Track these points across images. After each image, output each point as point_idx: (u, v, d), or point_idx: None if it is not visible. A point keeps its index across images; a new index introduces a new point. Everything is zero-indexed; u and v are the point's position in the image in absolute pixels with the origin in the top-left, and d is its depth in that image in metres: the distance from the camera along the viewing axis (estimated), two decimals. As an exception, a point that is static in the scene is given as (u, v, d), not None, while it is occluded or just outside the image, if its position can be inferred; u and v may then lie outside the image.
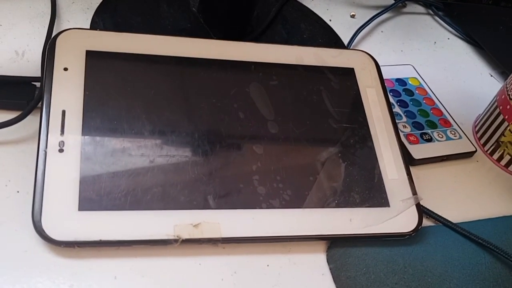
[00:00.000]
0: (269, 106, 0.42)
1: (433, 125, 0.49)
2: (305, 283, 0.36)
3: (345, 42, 0.56)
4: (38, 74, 0.42)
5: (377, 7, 0.62)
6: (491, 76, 0.59)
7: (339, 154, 0.41)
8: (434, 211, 0.42)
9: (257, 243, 0.36)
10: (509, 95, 0.47)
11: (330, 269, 0.37)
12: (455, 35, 0.63)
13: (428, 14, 0.65)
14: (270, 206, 0.37)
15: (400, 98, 0.50)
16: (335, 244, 0.38)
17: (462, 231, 0.41)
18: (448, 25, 0.64)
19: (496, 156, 0.49)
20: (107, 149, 0.36)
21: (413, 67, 0.55)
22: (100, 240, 0.33)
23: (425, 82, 0.53)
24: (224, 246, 0.36)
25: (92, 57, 0.39)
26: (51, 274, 0.32)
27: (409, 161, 0.45)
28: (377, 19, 0.60)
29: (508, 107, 0.47)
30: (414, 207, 0.40)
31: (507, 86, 0.48)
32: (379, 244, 0.38)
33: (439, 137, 0.48)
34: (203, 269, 0.35)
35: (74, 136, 0.36)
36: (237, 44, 0.44)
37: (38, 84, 0.41)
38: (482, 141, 0.50)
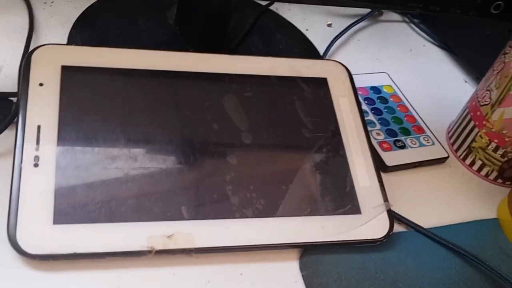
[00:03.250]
0: (243, 117, 0.42)
1: (406, 132, 0.50)
2: (278, 291, 0.37)
3: (322, 51, 0.57)
4: (15, 89, 0.42)
5: (353, 16, 0.63)
6: (466, 82, 0.60)
7: (312, 163, 0.42)
8: (408, 217, 0.43)
9: (231, 252, 0.37)
10: (479, 101, 0.48)
11: (302, 276, 0.38)
12: (431, 42, 0.64)
13: (404, 21, 0.67)
14: (243, 216, 0.38)
15: (374, 106, 0.51)
16: (308, 252, 0.39)
17: (433, 236, 0.42)
18: (424, 33, 0.65)
19: (468, 161, 0.50)
20: (82, 163, 0.37)
21: (388, 75, 0.56)
22: (75, 253, 0.34)
23: (400, 90, 0.54)
24: (198, 256, 0.37)
25: (68, 72, 0.40)
26: None
27: (382, 168, 0.46)
28: (354, 28, 0.62)
29: (478, 113, 0.48)
30: (385, 213, 0.41)
31: (478, 92, 0.49)
32: (351, 250, 0.39)
33: (412, 143, 0.49)
34: (177, 279, 0.36)
35: (49, 151, 0.36)
36: (211, 56, 0.45)
37: (15, 100, 0.41)
38: (455, 146, 0.51)
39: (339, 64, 0.48)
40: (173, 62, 0.43)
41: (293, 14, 0.61)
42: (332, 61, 0.48)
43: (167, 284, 0.35)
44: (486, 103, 0.47)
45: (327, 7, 0.64)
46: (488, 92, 0.47)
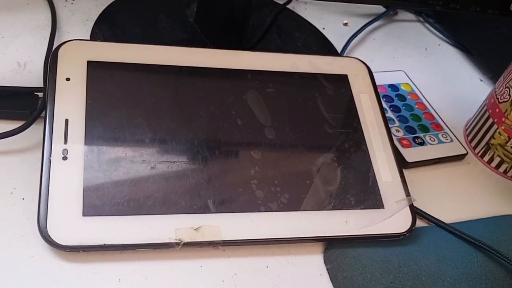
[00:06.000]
0: (266, 112, 0.43)
1: (425, 129, 0.50)
2: (303, 284, 0.37)
3: (339, 49, 0.57)
4: (40, 84, 0.43)
5: (369, 15, 0.64)
6: (481, 81, 0.61)
7: (335, 158, 0.42)
8: (427, 212, 0.43)
9: (257, 245, 0.38)
10: (497, 98, 0.48)
11: (327, 269, 0.38)
12: (446, 42, 0.65)
13: (419, 21, 0.67)
14: (268, 209, 0.38)
15: (393, 103, 0.52)
16: (332, 245, 0.39)
17: (455, 231, 0.42)
18: (439, 32, 0.65)
19: (486, 158, 0.50)
20: (110, 156, 0.37)
21: (405, 73, 0.56)
22: (104, 244, 0.34)
23: (417, 88, 0.55)
24: (224, 248, 0.37)
25: (94, 67, 0.41)
26: (57, 279, 0.33)
27: (402, 164, 0.46)
28: (369, 27, 0.62)
29: (497, 110, 0.48)
30: (408, 208, 0.41)
31: (496, 90, 0.49)
32: (374, 244, 0.40)
33: (431, 140, 0.49)
34: (204, 271, 0.36)
35: (77, 144, 0.37)
36: (234, 53, 0.45)
37: (40, 94, 0.42)
38: (473, 144, 0.51)
39: (359, 61, 0.48)
40: (197, 58, 0.44)
41: (310, 13, 0.61)
42: (352, 58, 0.49)
43: (194, 276, 0.36)
44: (505, 100, 0.47)
45: (343, 6, 0.64)
46: (507, 89, 0.47)
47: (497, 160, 0.49)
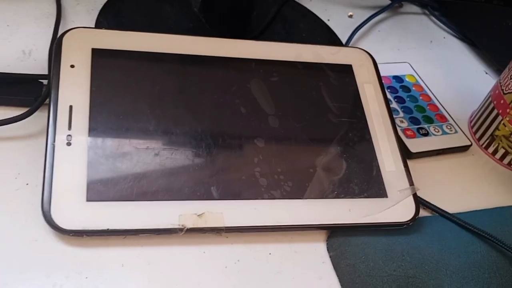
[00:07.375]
0: (270, 101, 0.43)
1: (429, 120, 0.50)
2: (306, 271, 0.37)
3: (343, 41, 0.57)
4: (45, 72, 0.43)
5: (374, 7, 0.64)
6: (486, 73, 0.60)
7: (338, 147, 0.42)
8: (431, 202, 0.43)
9: (259, 232, 0.38)
10: (502, 89, 0.48)
11: (330, 257, 0.38)
12: (451, 34, 0.65)
13: (424, 14, 0.67)
14: (271, 197, 0.38)
15: (397, 95, 0.52)
16: (335, 233, 0.39)
17: (458, 221, 0.42)
18: (444, 25, 0.65)
19: (491, 149, 0.50)
20: (113, 142, 0.37)
21: (410, 65, 0.56)
22: (108, 229, 0.34)
23: (422, 79, 0.54)
24: (227, 235, 0.37)
25: (98, 54, 0.41)
26: (60, 263, 0.33)
27: (406, 154, 0.46)
28: (374, 19, 0.62)
29: (502, 101, 0.48)
30: (411, 197, 0.41)
31: (501, 81, 0.49)
32: (377, 233, 0.40)
33: (435, 131, 0.49)
34: (207, 257, 0.36)
35: (81, 130, 0.37)
36: (238, 42, 0.45)
37: (45, 82, 0.42)
38: (478, 135, 0.51)
39: (364, 52, 0.48)
40: (201, 47, 0.44)
41: (315, 5, 0.61)
42: (356, 48, 0.48)
43: (197, 262, 0.36)
44: (510, 91, 0.47)
45: (348, -2, 0.64)
46: (512, 80, 0.47)
47: (501, 151, 0.49)
